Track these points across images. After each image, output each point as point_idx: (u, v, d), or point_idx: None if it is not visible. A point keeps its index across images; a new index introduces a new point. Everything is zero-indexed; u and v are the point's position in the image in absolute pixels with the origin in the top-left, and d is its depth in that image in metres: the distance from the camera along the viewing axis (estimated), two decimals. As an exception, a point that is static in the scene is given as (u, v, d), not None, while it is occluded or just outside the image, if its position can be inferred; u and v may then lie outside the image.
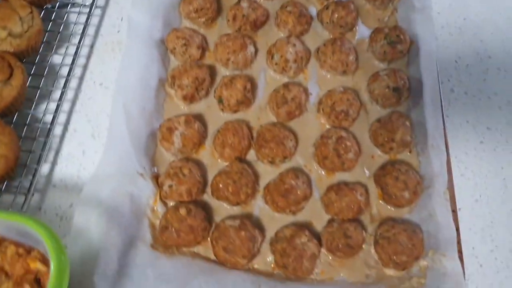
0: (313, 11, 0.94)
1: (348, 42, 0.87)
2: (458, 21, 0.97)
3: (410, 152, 0.82)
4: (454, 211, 0.76)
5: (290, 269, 0.70)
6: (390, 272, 0.73)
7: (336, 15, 0.89)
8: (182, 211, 0.70)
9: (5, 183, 0.73)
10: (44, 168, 0.78)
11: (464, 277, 0.71)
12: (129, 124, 0.75)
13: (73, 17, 0.90)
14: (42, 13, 0.87)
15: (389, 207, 0.78)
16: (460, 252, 0.74)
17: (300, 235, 0.71)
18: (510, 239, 0.77)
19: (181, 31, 0.85)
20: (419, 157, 0.81)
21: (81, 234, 0.69)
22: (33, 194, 0.74)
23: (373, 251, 0.74)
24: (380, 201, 0.78)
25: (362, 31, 0.93)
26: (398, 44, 0.87)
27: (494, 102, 0.89)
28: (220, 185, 0.74)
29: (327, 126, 0.83)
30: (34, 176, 0.74)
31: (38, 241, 0.58)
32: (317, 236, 0.74)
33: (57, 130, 0.81)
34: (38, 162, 0.76)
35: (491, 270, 0.75)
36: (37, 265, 0.59)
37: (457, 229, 0.75)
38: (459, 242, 0.74)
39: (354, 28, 0.93)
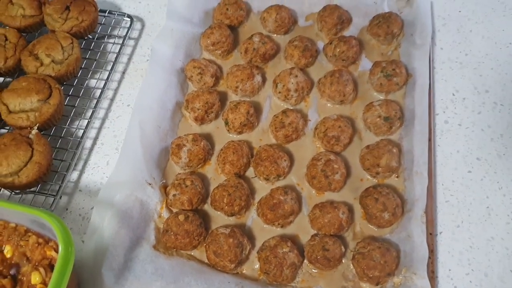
0: (321, 45, 1.04)
1: (346, 74, 0.95)
2: (460, 56, 1.03)
3: (397, 177, 0.88)
4: (431, 234, 0.82)
5: (271, 275, 0.78)
6: (365, 286, 0.80)
7: (338, 50, 0.98)
8: (181, 217, 0.81)
9: (39, 186, 0.87)
10: (73, 175, 0.91)
11: (434, 295, 0.77)
12: (143, 139, 0.87)
13: (109, 47, 1.05)
14: (83, 43, 1.02)
15: (371, 226, 0.84)
16: (432, 272, 0.79)
17: (282, 245, 0.79)
18: (487, 264, 0.81)
19: (198, 61, 0.97)
20: (405, 182, 0.87)
21: (95, 232, 0.81)
22: (61, 197, 0.88)
23: (352, 265, 0.81)
24: (364, 221, 0.85)
25: (365, 64, 1.01)
26: (394, 77, 0.95)
27: (487, 134, 0.93)
28: (217, 197, 0.84)
29: (322, 150, 0.91)
30: (63, 181, 0.88)
31: (55, 234, 0.71)
32: (301, 248, 0.82)
33: (87, 143, 0.94)
34: (68, 169, 0.89)
35: (465, 291, 0.80)
36: (52, 253, 0.71)
37: (432, 251, 0.81)
38: (432, 263, 0.80)
39: (356, 61, 1.01)
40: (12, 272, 0.70)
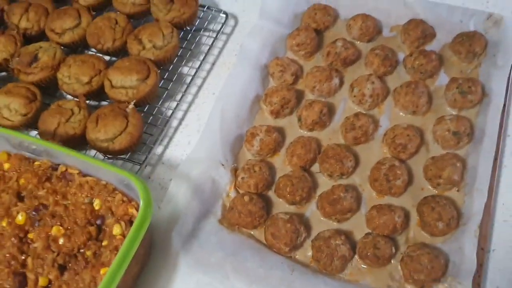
0: (401, 56, 1.08)
1: (422, 86, 0.99)
2: (543, 81, 1.02)
3: (458, 190, 0.91)
4: (483, 249, 0.84)
5: (321, 263, 0.84)
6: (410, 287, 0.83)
7: (417, 62, 1.02)
8: (246, 198, 0.89)
9: (129, 154, 0.99)
10: (158, 149, 1.02)
11: (477, 307, 0.79)
12: (222, 124, 0.97)
13: (203, 39, 1.15)
14: (181, 33, 1.14)
15: (424, 233, 0.88)
16: (478, 285, 0.81)
17: (336, 238, 0.85)
18: (538, 287, 0.82)
19: (281, 60, 1.05)
20: (464, 197, 0.90)
21: (171, 200, 0.91)
22: (146, 166, 0.99)
23: (399, 267, 0.85)
24: (418, 227, 0.89)
25: (442, 79, 1.04)
26: (469, 95, 0.96)
27: (560, 163, 0.93)
28: (281, 185, 0.91)
29: (388, 156, 0.95)
30: (149, 153, 0.99)
31: (138, 195, 0.81)
32: (353, 244, 0.87)
33: (174, 122, 1.05)
34: (154, 143, 1.01)
35: (510, 310, 0.81)
36: (133, 211, 0.82)
37: (481, 265, 0.82)
38: (480, 276, 0.82)
39: (434, 76, 1.04)
40: (98, 222, 0.82)
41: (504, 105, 0.96)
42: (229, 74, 1.03)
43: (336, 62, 1.06)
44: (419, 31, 1.06)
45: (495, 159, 0.91)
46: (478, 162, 0.91)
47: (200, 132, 1.01)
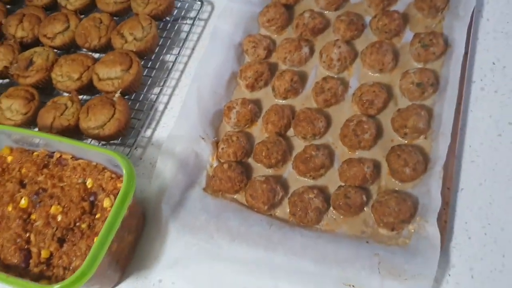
0: (368, 20, 1.12)
1: (386, 45, 1.03)
2: (506, 26, 1.05)
3: (425, 138, 0.95)
4: (449, 189, 0.88)
5: (297, 216, 0.90)
6: (383, 231, 0.88)
7: (381, 23, 1.06)
8: (225, 165, 0.96)
9: (120, 139, 1.08)
10: (147, 132, 1.10)
11: (443, 242, 0.83)
12: (199, 101, 1.04)
13: (182, 27, 1.23)
14: (161, 24, 1.22)
15: (395, 181, 0.92)
16: (445, 221, 0.85)
17: (308, 192, 0.91)
18: (505, 220, 0.86)
19: (253, 37, 1.11)
20: (432, 143, 0.94)
21: (159, 176, 0.99)
22: (136, 148, 1.08)
23: (372, 213, 0.90)
24: (389, 176, 0.93)
25: (408, 36, 1.07)
26: (431, 47, 1.00)
27: (523, 101, 0.96)
28: (257, 150, 0.98)
29: (358, 113, 1.00)
30: (137, 136, 1.08)
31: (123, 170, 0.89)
32: (329, 197, 0.93)
33: (160, 107, 1.13)
34: (142, 127, 1.09)
35: (478, 243, 0.85)
36: (121, 185, 0.90)
37: (447, 203, 0.87)
38: (446, 213, 0.86)
39: (400, 34, 1.08)
40: (91, 198, 0.90)
41: (466, 53, 1.00)
42: (202, 55, 1.10)
43: (305, 32, 1.11)
44: (382, -7, 1.10)
45: (458, 104, 0.95)
46: (442, 109, 0.95)
47: (181, 110, 1.08)
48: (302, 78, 1.07)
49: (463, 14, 1.03)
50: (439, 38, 1.01)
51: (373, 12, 1.12)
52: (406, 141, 0.96)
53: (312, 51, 1.10)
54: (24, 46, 1.23)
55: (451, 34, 1.03)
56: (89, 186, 0.91)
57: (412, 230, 0.86)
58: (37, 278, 0.84)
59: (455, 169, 0.91)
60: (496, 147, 0.92)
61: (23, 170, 0.95)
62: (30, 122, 1.11)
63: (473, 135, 0.94)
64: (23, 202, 0.90)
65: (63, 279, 0.82)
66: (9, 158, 0.98)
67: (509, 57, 1.01)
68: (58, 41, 1.20)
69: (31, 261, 0.85)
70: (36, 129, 1.10)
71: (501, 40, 1.03)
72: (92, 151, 0.92)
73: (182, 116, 1.04)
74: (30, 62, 1.16)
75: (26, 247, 0.87)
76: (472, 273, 0.83)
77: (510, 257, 0.83)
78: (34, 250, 0.86)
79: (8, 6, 1.35)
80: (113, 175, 0.92)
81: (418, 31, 1.07)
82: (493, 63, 1.01)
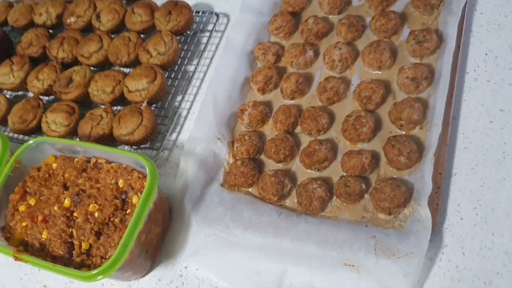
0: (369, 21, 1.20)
1: (384, 44, 1.11)
2: (498, 18, 1.10)
3: (421, 128, 1.02)
4: (441, 174, 0.95)
5: (303, 205, 1.00)
6: (381, 216, 0.96)
7: (378, 23, 1.14)
8: (239, 162, 1.07)
9: (148, 143, 1.21)
10: (172, 136, 1.23)
11: (435, 223, 0.91)
12: (215, 106, 1.16)
13: (202, 40, 1.36)
14: (182, 38, 1.35)
15: (392, 169, 1.00)
16: (437, 204, 0.93)
17: (312, 183, 1.00)
18: (495, 201, 0.92)
19: (262, 44, 1.22)
20: (427, 133, 1.01)
21: (182, 174, 1.11)
22: (162, 151, 1.21)
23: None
24: (387, 165, 1.01)
25: (406, 34, 1.14)
26: (425, 43, 1.07)
27: (514, 88, 1.01)
28: (267, 147, 1.08)
29: (358, 109, 1.09)
30: (163, 140, 1.21)
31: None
32: (332, 187, 1.02)
33: (183, 112, 1.26)
34: (168, 131, 1.22)
35: (469, 223, 0.92)
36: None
37: (439, 187, 0.94)
38: (438, 197, 0.93)
39: (398, 32, 1.15)
40: (122, 196, 1.04)
41: (459, 46, 1.06)
42: (217, 63, 1.22)
43: (310, 37, 1.21)
44: (381, -5, 1.18)
45: (450, 95, 1.01)
46: (436, 101, 1.02)
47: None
48: (308, 79, 1.17)
49: (456, 10, 1.09)
50: (432, 34, 1.08)
51: (373, 13, 1.20)
52: (403, 132, 1.04)
53: (316, 54, 1.20)
54: (64, 65, 1.39)
55: (445, 29, 1.09)
56: (120, 186, 1.05)
57: (407, 214, 0.94)
58: (79, 266, 0.98)
59: (449, 155, 0.98)
60: (488, 133, 0.99)
61: (66, 175, 1.10)
62: (72, 132, 1.27)
63: (466, 123, 1.01)
64: (67, 202, 1.05)
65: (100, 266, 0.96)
66: (54, 165, 1.13)
67: (501, 47, 1.07)
68: (93, 60, 1.36)
69: (73, 252, 1.00)
70: (77, 139, 1.26)
71: (494, 31, 1.09)
72: (122, 155, 1.06)
73: (199, 119, 1.16)
74: (70, 80, 1.31)
75: (69, 240, 1.01)
76: (464, 250, 0.90)
77: (499, 235, 0.89)
78: (76, 242, 1.00)
79: (51, 31, 1.52)
80: (140, 175, 1.05)
81: (416, 28, 1.14)
82: (486, 54, 1.07)
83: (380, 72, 1.12)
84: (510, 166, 0.94)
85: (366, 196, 0.99)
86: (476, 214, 0.92)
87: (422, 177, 0.95)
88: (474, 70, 1.06)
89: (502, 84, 1.02)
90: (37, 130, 1.30)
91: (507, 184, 0.93)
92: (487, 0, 1.13)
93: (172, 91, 1.28)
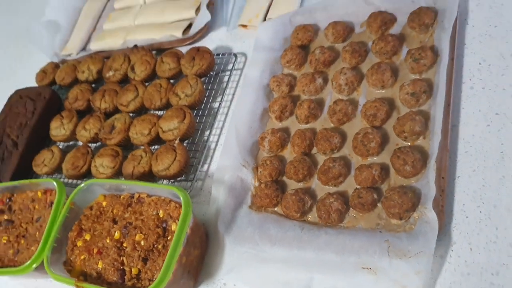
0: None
1: (384, 65, 1.21)
2: (489, 29, 1.19)
3: (424, 138, 1.11)
4: (444, 178, 1.03)
5: (323, 218, 1.11)
6: (394, 221, 1.05)
7: (378, 47, 1.25)
8: (262, 185, 1.19)
9: (183, 175, 1.36)
10: (204, 167, 1.37)
11: (441, 224, 0.99)
12: (238, 136, 1.29)
13: (224, 78, 1.50)
14: (207, 79, 1.50)
15: (400, 178, 1.10)
16: (442, 206, 1.01)
17: (329, 198, 1.11)
18: (496, 198, 0.99)
19: (276, 77, 1.35)
20: (429, 142, 1.10)
21: (214, 201, 1.24)
22: (196, 181, 1.35)
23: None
24: (397, 175, 1.11)
25: (405, 53, 1.25)
26: (421, 60, 1.17)
27: (508, 92, 1.09)
28: (287, 169, 1.20)
29: (366, 126, 1.19)
30: (196, 171, 1.35)
31: (185, 201, 1.16)
32: (348, 200, 1.12)
33: (212, 145, 1.40)
34: (200, 163, 1.36)
35: (474, 220, 0.99)
36: (183, 212, 1.17)
37: (443, 190, 1.02)
38: (443, 199, 1.01)
39: (398, 53, 1.26)
40: (163, 225, 1.18)
41: (452, 59, 1.15)
42: (237, 99, 1.36)
43: (319, 65, 1.33)
44: (379, 20, 1.29)
45: (448, 105, 1.10)
46: (435, 111, 1.11)
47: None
48: (320, 104, 1.28)
49: (447, 26, 1.19)
50: (427, 51, 1.17)
51: (374, 37, 1.31)
52: (409, 143, 1.13)
53: (325, 80, 1.32)
54: (107, 114, 1.57)
55: (440, 45, 1.19)
56: (161, 216, 1.19)
57: (416, 217, 1.03)
58: (131, 289, 1.13)
59: (452, 160, 1.07)
60: (486, 137, 1.06)
61: (114, 211, 1.25)
62: (117, 173, 1.43)
63: (465, 129, 1.09)
64: (117, 235, 1.20)
65: None
66: (104, 203, 1.28)
67: (493, 55, 1.15)
68: (131, 107, 1.53)
69: (125, 277, 1.14)
70: (122, 178, 1.42)
71: (486, 42, 1.17)
72: (160, 189, 1.20)
73: (225, 150, 1.29)
74: (113, 127, 1.49)
75: (121, 267, 1.15)
76: (471, 246, 0.98)
77: (502, 229, 0.96)
78: (127, 269, 1.14)
79: (93, 85, 1.71)
80: (177, 205, 1.18)
81: (414, 47, 1.24)
82: (480, 63, 1.15)
83: (383, 91, 1.23)
84: (508, 165, 1.01)
85: (379, 204, 1.09)
86: (480, 211, 1.00)
87: (428, 183, 1.04)
88: (470, 79, 1.14)
89: (496, 90, 1.10)
90: (87, 174, 1.48)
91: (507, 182, 1.00)
92: (477, 14, 1.22)
93: (201, 127, 1.43)
